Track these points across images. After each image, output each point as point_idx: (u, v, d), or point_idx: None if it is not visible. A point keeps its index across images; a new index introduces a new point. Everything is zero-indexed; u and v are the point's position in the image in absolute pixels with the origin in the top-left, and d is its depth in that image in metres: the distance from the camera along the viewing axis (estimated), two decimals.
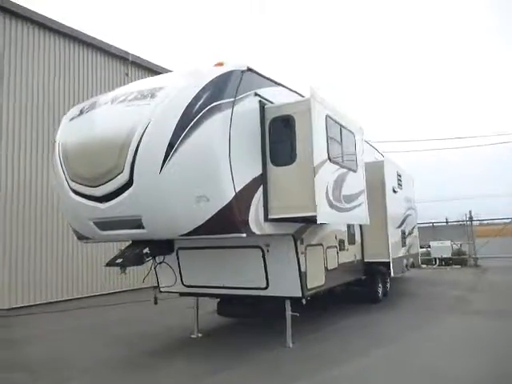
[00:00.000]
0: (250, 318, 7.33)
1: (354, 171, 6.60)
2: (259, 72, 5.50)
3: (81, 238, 5.80)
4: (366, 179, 8.91)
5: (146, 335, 7.32)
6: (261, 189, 5.28)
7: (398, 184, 10.06)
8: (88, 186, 4.89)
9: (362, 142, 7.02)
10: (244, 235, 4.88)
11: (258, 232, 5.13)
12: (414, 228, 11.59)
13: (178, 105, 4.59)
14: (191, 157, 4.52)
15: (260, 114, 5.40)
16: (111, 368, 5.55)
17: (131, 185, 4.62)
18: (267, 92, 5.63)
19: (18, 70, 10.83)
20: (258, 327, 7.45)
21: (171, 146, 4.49)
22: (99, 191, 4.81)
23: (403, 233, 10.13)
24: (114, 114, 4.88)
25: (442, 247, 17.00)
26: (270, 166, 5.38)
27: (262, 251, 6.13)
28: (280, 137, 5.38)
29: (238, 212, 4.78)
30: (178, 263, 6.80)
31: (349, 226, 8.30)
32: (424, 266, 17.36)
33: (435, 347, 5.96)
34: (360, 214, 6.67)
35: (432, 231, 18.22)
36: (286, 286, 6.15)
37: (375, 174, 8.94)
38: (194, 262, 6.74)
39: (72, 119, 5.38)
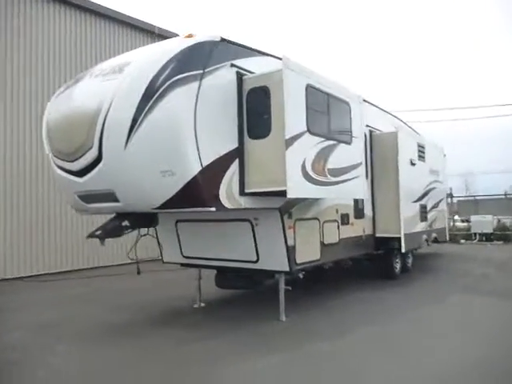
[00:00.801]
0: (246, 289, 7.39)
1: (348, 143, 6.30)
2: (237, 42, 5.33)
3: (76, 209, 6.09)
4: (379, 151, 8.62)
5: (150, 303, 7.62)
6: (236, 162, 5.21)
7: (419, 156, 9.49)
8: (66, 160, 5.09)
9: (361, 111, 6.65)
10: (213, 209, 4.88)
11: (230, 206, 5.10)
12: (440, 202, 10.98)
13: (142, 79, 4.58)
14: (154, 131, 4.54)
15: (237, 85, 5.26)
16: (104, 332, 5.91)
17: (101, 160, 4.75)
18: (248, 62, 5.45)
19: (35, 47, 11.17)
20: (259, 300, 7.53)
21: (135, 121, 4.53)
22: (75, 166, 5.00)
23: (423, 207, 9.62)
24: (87, 90, 4.99)
25: (482, 222, 15.95)
26: (246, 139, 5.27)
27: (252, 225, 6.12)
28: (257, 109, 5.24)
29: (206, 186, 4.77)
30: (178, 235, 6.98)
31: (356, 200, 8.02)
32: (463, 241, 16.52)
33: (432, 328, 5.71)
34: (354, 189, 6.40)
35: (474, 205, 17.14)
36: (274, 259, 6.12)
37: (388, 146, 8.53)
38: (191, 234, 6.88)
39: (58, 96, 5.56)
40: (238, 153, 5.24)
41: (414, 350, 4.92)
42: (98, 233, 5.23)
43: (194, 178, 4.64)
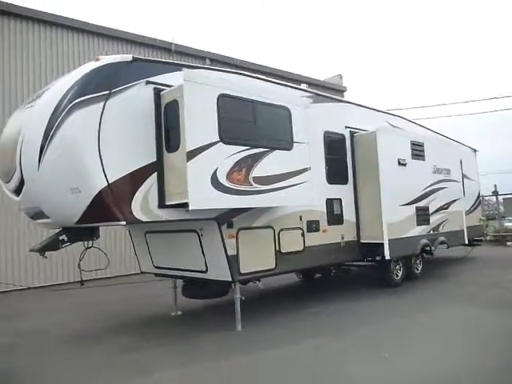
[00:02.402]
0: (211, 299, 7.43)
1: (287, 149, 6.12)
2: (153, 60, 5.54)
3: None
4: (360, 153, 8.22)
5: (133, 311, 7.93)
6: (154, 175, 5.36)
7: (414, 155, 8.86)
8: (4, 181, 5.63)
9: (307, 115, 6.41)
10: (123, 223, 5.08)
11: (146, 219, 5.25)
12: (453, 202, 10.06)
13: (49, 105, 4.94)
14: (59, 153, 4.85)
15: (155, 100, 5.43)
16: (69, 338, 6.34)
17: (24, 182, 5.18)
18: (170, 78, 5.57)
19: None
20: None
21: (43, 145, 4.88)
22: (10, 186, 5.51)
23: (422, 209, 8.93)
24: (16, 117, 5.49)
25: None
26: (164, 152, 5.41)
27: (199, 235, 6.22)
28: (172, 122, 5.34)
29: (113, 201, 4.96)
30: (148, 246, 7.28)
31: (331, 206, 7.74)
32: (510, 243, 14.91)
33: (385, 344, 5.30)
34: (296, 195, 6.17)
35: None
36: (218, 269, 6.17)
37: (369, 147, 8.11)
38: (157, 244, 7.13)
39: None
40: (157, 166, 5.39)
41: (353, 365, 4.67)
42: (37, 247, 5.67)
43: (99, 194, 4.88)
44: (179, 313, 7.50)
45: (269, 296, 8.83)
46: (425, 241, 8.94)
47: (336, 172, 7.98)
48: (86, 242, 6.14)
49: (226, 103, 5.41)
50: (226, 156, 5.35)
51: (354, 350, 5.15)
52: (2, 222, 10.81)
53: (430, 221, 9.17)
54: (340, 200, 7.93)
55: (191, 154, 4.97)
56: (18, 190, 5.42)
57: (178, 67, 5.71)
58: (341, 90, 20.14)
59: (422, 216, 8.92)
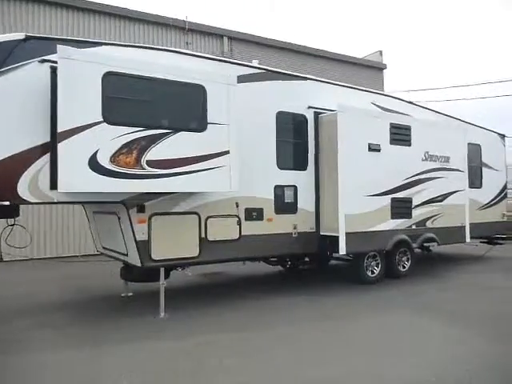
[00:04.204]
0: (147, 282, 7.26)
1: (198, 131, 5.67)
2: (50, 37, 5.36)
3: None
4: (323, 136, 7.47)
5: (89, 289, 8.05)
6: (47, 156, 5.25)
7: (396, 139, 7.84)
8: None
9: (229, 94, 5.85)
10: (6, 203, 5.07)
11: (35, 200, 5.20)
12: (452, 194, 8.80)
13: None
14: None
15: (52, 79, 5.28)
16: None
17: None
18: None
19: None
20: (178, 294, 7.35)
21: None
22: None
23: (402, 201, 7.91)
24: None
25: None
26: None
27: (118, 218, 6.11)
28: None
29: None
30: (96, 226, 7.36)
31: (281, 193, 7.16)
32: None
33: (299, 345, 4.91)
34: (203, 181, 5.69)
35: None
36: (131, 253, 6.04)
37: (330, 129, 7.32)
38: (100, 225, 7.18)
39: None
40: (50, 147, 5.28)
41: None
42: None
43: None
44: (130, 294, 7.42)
45: (233, 285, 8.52)
46: (401, 236, 7.95)
47: (291, 156, 7.34)
48: (8, 220, 6.29)
49: (114, 81, 5.11)
50: (111, 137, 5.08)
51: (250, 351, 4.78)
52: None
53: (413, 214, 8.13)
54: (295, 187, 7.30)
55: (64, 135, 4.79)
56: None
57: (77, 44, 5.50)
58: (380, 68, 18.61)
59: (401, 208, 7.92)
